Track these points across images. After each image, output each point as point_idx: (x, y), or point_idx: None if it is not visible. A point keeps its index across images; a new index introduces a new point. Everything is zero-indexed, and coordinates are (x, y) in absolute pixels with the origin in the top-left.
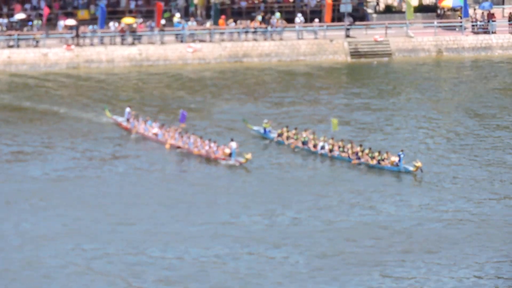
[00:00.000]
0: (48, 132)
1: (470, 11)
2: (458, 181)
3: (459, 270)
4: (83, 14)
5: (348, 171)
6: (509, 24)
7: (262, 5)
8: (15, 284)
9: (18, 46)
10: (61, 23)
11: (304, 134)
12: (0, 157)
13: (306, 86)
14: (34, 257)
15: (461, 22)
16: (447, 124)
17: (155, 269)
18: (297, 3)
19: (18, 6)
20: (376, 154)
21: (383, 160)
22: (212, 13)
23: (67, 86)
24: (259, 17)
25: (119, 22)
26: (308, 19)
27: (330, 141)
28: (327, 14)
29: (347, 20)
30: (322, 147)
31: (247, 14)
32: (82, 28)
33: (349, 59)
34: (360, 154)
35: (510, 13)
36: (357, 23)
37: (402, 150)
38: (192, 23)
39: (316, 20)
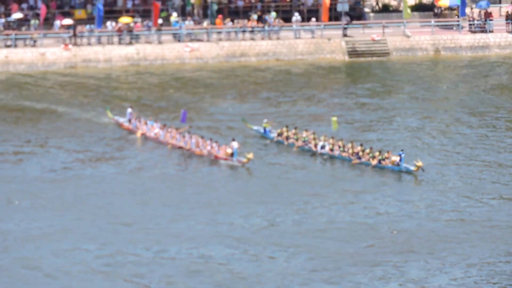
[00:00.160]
0: (47, 132)
1: (467, 10)
2: (459, 181)
3: (460, 270)
4: (80, 13)
5: (348, 171)
6: (506, 23)
7: (259, 4)
8: (11, 284)
9: (15, 45)
10: (57, 22)
11: (304, 134)
12: None
13: (304, 86)
14: (35, 256)
15: (458, 21)
16: (447, 123)
17: (156, 268)
18: (294, 2)
19: (15, 6)
20: (377, 153)
21: (384, 159)
22: (209, 13)
23: (65, 86)
24: (255, 16)
25: (117, 22)
26: (305, 18)
27: (331, 140)
28: (324, 13)
29: (344, 19)
30: (323, 147)
31: (244, 13)
32: (79, 28)
33: (346, 58)
34: (360, 153)
35: (507, 12)
36: (354, 22)
37: (402, 150)
38: (189, 23)
39: (313, 19)
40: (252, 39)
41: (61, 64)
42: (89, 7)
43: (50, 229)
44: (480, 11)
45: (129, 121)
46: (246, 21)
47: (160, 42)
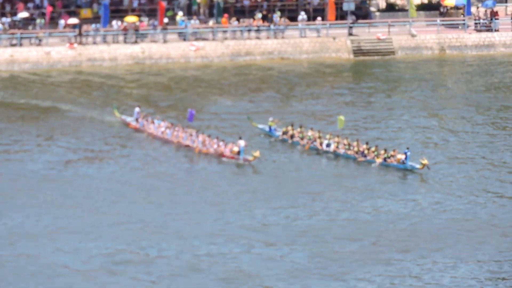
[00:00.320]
0: (52, 130)
1: (473, 9)
2: (464, 179)
3: (462, 268)
4: (86, 12)
5: (354, 169)
6: None
7: (265, 4)
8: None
9: (21, 44)
10: (62, 22)
11: (309, 133)
12: (3, 155)
13: (309, 84)
14: (38, 252)
15: (464, 20)
16: (452, 122)
17: (160, 266)
18: (300, 1)
19: (21, 5)
20: (382, 152)
21: (389, 157)
22: (215, 12)
23: (70, 85)
24: (259, 15)
25: (122, 21)
26: (311, 17)
27: (336, 139)
28: (330, 12)
29: (350, 18)
30: (328, 145)
31: (250, 12)
32: (85, 27)
33: (352, 57)
34: (366, 152)
35: None
36: (360, 21)
37: (408, 148)
38: (195, 22)
39: (319, 18)
40: (258, 38)
41: (66, 63)
42: (95, 6)
43: (54, 227)
44: (486, 10)
45: (137, 120)
46: (251, 20)
47: (165, 41)
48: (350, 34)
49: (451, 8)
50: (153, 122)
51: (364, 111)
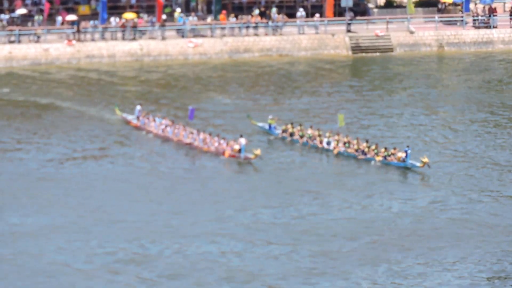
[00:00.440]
0: (50, 127)
1: (471, 6)
2: (464, 178)
3: (463, 267)
4: (84, 9)
5: (354, 167)
6: (510, 19)
7: (263, 0)
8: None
9: (19, 41)
10: (59, 18)
11: (309, 131)
12: (2, 153)
13: (308, 81)
14: (38, 251)
15: (462, 16)
16: (452, 119)
17: (159, 264)
18: None
19: (19, 2)
20: (383, 150)
21: (389, 156)
22: (213, 8)
23: (68, 82)
24: (256, 11)
25: (120, 17)
26: (309, 14)
27: (336, 137)
28: (328, 8)
29: (348, 15)
30: (328, 143)
31: (248, 9)
32: (83, 24)
33: (350, 54)
34: (366, 150)
35: None
36: (358, 17)
37: (408, 146)
38: (193, 18)
39: (317, 15)
40: (256, 34)
41: (64, 60)
42: (93, 2)
43: (54, 225)
44: (484, 7)
45: (138, 118)
46: (249, 16)
47: (163, 38)
48: (349, 31)
49: (449, 4)
50: (154, 120)
51: (363, 108)
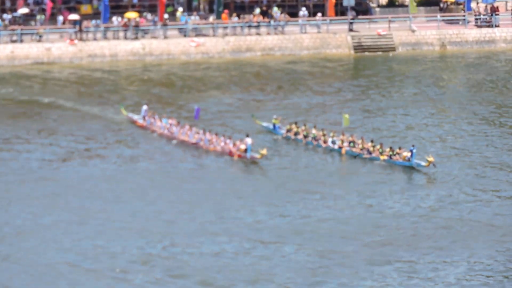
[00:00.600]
0: (52, 126)
1: (473, 5)
2: (469, 177)
3: (469, 267)
4: (86, 8)
5: (358, 166)
6: None
7: None
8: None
9: (21, 41)
10: (60, 18)
11: (313, 131)
12: (4, 152)
13: (310, 80)
14: (42, 250)
15: (464, 15)
16: (455, 119)
17: (163, 263)
18: None
19: (21, 1)
20: (388, 149)
21: (394, 155)
22: (215, 7)
23: (70, 81)
24: (257, 10)
25: (122, 17)
26: (311, 13)
27: (341, 136)
28: (330, 8)
29: (350, 14)
30: (333, 142)
31: (250, 8)
32: (85, 23)
33: (352, 53)
34: (371, 149)
35: None
36: (360, 17)
37: (413, 145)
38: (195, 18)
39: (319, 14)
40: (258, 34)
41: (66, 59)
42: (95, 2)
43: (57, 225)
44: (486, 6)
45: (144, 118)
46: (251, 16)
47: (165, 37)
48: (351, 30)
49: (451, 3)
50: (160, 120)
51: (365, 107)
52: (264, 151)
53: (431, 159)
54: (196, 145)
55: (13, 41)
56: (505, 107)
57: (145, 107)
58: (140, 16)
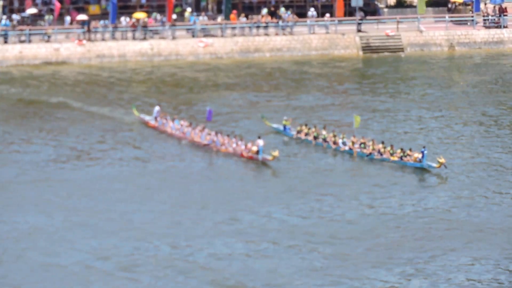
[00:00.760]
0: (62, 127)
1: (482, 5)
2: (481, 179)
3: (478, 269)
4: (94, 9)
5: (369, 168)
6: None
7: (273, 0)
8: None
9: (29, 41)
10: (68, 18)
11: (324, 132)
12: (14, 154)
13: (318, 81)
14: (49, 251)
15: (472, 16)
16: (466, 120)
17: (172, 263)
18: None
19: (29, 1)
20: (398, 151)
21: (405, 156)
22: (223, 8)
23: (79, 81)
24: (264, 11)
25: (130, 17)
26: (320, 14)
27: (352, 138)
28: (339, 8)
29: (359, 15)
30: (344, 143)
31: (258, 8)
32: (93, 23)
33: (360, 53)
34: (382, 150)
35: None
36: (368, 17)
37: (424, 147)
38: (203, 18)
39: (327, 14)
40: (266, 34)
41: (75, 59)
42: (103, 2)
43: (66, 225)
44: (494, 7)
45: (155, 119)
46: (260, 16)
47: (174, 38)
48: (359, 31)
49: (460, 4)
50: (172, 121)
51: (374, 108)
52: (276, 153)
53: (442, 160)
54: (208, 146)
55: (22, 41)
56: None
57: (157, 108)
58: (149, 17)
